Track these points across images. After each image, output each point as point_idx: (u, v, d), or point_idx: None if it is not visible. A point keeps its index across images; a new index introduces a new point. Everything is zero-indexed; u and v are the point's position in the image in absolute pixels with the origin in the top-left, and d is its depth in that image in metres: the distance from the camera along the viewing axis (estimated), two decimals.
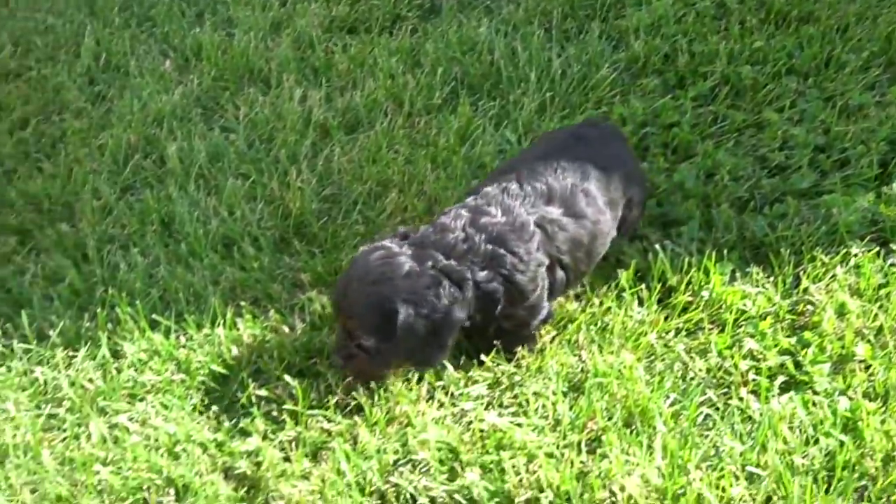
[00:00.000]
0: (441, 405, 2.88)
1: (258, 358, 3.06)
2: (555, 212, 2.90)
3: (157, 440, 2.83)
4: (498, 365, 2.95)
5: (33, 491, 2.70)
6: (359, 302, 2.68)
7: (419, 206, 3.61)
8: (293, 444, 2.78)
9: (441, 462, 2.70)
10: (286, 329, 3.17)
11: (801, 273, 3.19)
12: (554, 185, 2.93)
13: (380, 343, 2.70)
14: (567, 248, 2.91)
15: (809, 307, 3.09)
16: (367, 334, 2.69)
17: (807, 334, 2.97)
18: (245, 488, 2.69)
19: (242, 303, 3.27)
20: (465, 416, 2.83)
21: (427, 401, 2.89)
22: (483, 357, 2.94)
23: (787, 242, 3.27)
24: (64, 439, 2.88)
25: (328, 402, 2.88)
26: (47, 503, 2.65)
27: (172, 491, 2.67)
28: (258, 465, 2.72)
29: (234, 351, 3.09)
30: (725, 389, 2.88)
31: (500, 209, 2.86)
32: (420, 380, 2.94)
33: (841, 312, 3.04)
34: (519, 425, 2.77)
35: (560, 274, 2.95)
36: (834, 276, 3.15)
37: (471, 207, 2.89)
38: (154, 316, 3.23)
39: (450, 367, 2.91)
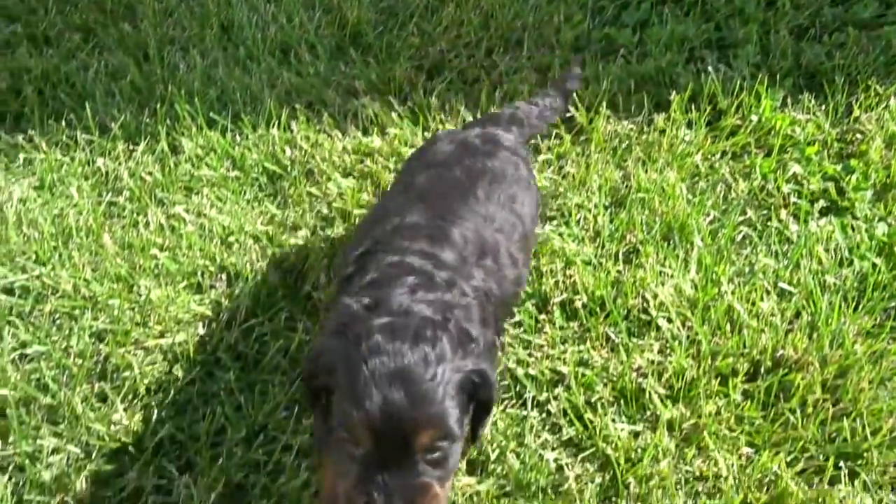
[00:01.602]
0: None
1: (311, 159, 3.15)
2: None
3: (211, 230, 2.95)
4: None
5: (94, 269, 2.84)
6: (432, 401, 1.71)
7: (475, 20, 3.60)
8: (339, 240, 2.87)
9: None
10: (339, 133, 3.24)
11: (854, 102, 3.17)
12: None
13: (461, 436, 1.81)
14: None
15: (858, 136, 3.09)
16: (450, 435, 1.74)
17: (853, 162, 2.99)
18: (293, 278, 2.81)
19: (297, 106, 3.34)
20: None
21: None
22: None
23: (843, 72, 3.24)
24: (123, 226, 3.01)
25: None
26: (107, 280, 2.80)
27: (224, 276, 2.80)
28: (306, 257, 2.83)
29: (288, 151, 3.17)
30: (765, 211, 2.92)
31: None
32: None
33: (889, 142, 3.04)
34: (560, 234, 2.85)
35: None
36: (887, 106, 3.13)
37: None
38: (211, 114, 3.31)
39: None
